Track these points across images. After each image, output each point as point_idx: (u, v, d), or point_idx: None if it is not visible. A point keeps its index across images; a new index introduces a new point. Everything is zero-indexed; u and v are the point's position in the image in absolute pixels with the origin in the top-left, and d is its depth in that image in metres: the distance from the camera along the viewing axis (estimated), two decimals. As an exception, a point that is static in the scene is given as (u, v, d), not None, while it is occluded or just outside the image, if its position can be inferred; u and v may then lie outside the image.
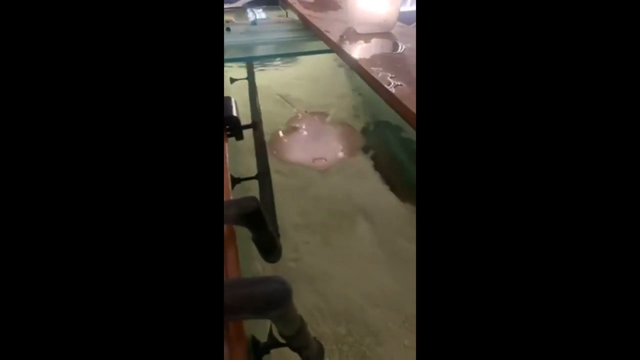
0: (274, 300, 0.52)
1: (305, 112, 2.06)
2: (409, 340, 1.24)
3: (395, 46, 1.56)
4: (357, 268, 1.47)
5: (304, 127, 1.94)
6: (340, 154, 1.80)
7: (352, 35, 1.68)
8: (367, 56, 1.43)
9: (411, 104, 1.04)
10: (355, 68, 1.40)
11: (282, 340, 0.69)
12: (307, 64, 3.04)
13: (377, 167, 1.97)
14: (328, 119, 1.95)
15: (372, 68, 1.31)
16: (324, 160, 1.72)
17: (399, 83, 1.19)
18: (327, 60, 2.93)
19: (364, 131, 2.20)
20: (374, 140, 2.13)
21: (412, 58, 1.39)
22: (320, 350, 0.84)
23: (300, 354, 0.72)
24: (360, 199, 1.77)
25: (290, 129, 1.98)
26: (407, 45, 1.51)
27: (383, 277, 1.44)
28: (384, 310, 1.34)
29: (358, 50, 1.51)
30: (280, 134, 1.96)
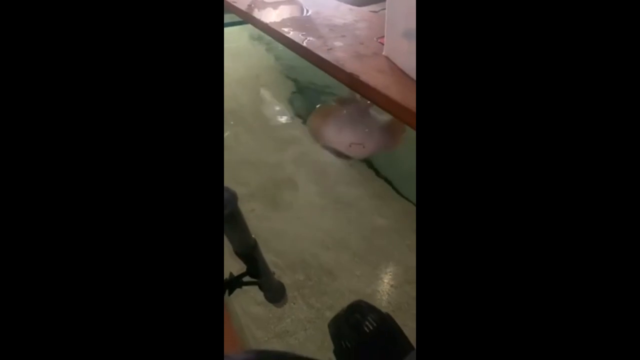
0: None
1: None
2: (360, 270, 1.38)
3: (302, 10, 1.63)
4: (305, 221, 1.58)
5: (346, 108, 1.72)
6: (381, 143, 1.58)
7: (260, 3, 1.72)
8: (278, 20, 1.49)
9: (322, 53, 1.14)
10: (268, 31, 1.46)
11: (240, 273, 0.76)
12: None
13: (301, 116, 2.06)
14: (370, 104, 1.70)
15: (283, 29, 1.38)
16: (362, 147, 1.54)
17: (309, 38, 1.27)
18: (242, 34, 2.91)
19: (294, 94, 2.29)
20: (301, 103, 2.23)
21: (319, 19, 1.49)
22: (281, 286, 0.91)
23: (260, 286, 0.79)
24: (295, 159, 1.86)
25: (333, 108, 1.77)
26: (313, 9, 1.60)
27: (329, 222, 1.56)
28: (335, 251, 1.47)
29: (268, 16, 1.56)
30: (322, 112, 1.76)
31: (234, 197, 0.59)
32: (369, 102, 1.48)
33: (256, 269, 0.69)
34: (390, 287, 1.33)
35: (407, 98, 0.82)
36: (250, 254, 0.67)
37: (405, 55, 0.94)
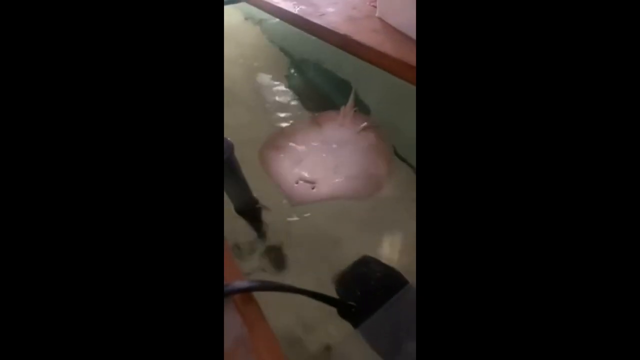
0: None
1: None
2: (365, 238, 1.39)
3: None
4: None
5: (324, 127, 1.20)
6: (349, 190, 1.07)
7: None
8: (268, -7, 1.48)
9: (314, 18, 1.12)
10: (259, 4, 1.44)
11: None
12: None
13: (298, 92, 2.05)
14: (364, 124, 1.22)
15: (273, 0, 1.36)
16: (311, 189, 1.06)
17: (301, 7, 1.25)
18: (235, 14, 2.86)
19: (289, 71, 2.25)
20: (296, 80, 2.20)
21: (309, -8, 1.48)
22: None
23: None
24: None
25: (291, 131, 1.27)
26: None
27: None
28: (340, 221, 1.47)
29: (259, -10, 1.54)
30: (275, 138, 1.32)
31: (229, 146, 0.58)
32: (363, 124, 1.13)
33: (259, 228, 0.69)
34: (399, 252, 1.34)
35: (403, 53, 0.82)
36: (252, 210, 0.67)
37: (400, 13, 0.93)
